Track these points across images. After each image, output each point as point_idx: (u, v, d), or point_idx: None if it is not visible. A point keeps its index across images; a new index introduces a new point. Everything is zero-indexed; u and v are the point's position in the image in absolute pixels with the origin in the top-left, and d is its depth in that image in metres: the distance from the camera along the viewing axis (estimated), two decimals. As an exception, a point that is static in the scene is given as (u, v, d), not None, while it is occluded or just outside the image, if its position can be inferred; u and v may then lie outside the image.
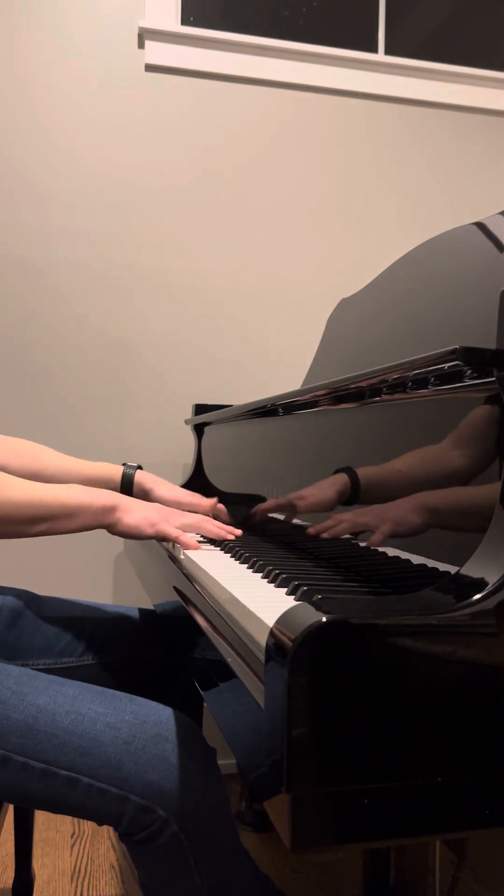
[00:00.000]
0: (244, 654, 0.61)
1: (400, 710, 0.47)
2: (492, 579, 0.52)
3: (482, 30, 2.30)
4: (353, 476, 0.86)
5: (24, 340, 1.90)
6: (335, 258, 2.09)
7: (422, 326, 1.02)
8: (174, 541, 1.00)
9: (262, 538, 1.15)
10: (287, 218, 2.07)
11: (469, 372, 0.62)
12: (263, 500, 1.20)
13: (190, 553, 0.97)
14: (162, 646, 1.13)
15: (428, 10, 2.28)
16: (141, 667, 1.12)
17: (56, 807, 0.80)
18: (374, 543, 0.78)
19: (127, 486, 1.16)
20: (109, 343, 1.95)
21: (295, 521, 1.06)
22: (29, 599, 1.13)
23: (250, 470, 1.31)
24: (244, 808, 1.69)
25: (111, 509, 0.95)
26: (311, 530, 0.97)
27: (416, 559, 0.69)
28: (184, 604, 0.83)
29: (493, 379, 0.60)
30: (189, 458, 1.95)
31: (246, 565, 0.88)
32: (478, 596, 0.51)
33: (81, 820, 1.44)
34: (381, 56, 2.12)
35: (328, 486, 0.93)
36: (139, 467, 1.20)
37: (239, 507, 1.32)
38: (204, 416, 1.64)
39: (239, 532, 1.09)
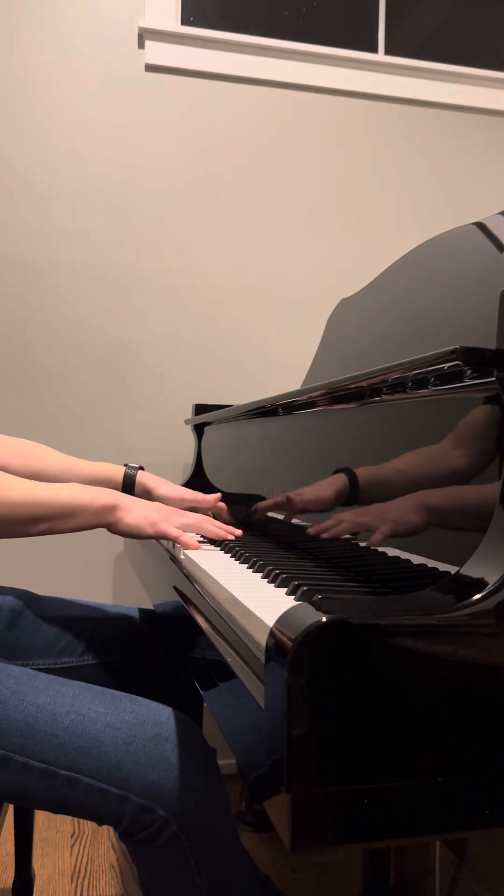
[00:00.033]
0: (244, 654, 0.61)
1: (400, 710, 0.47)
2: (492, 579, 0.52)
3: (482, 30, 2.30)
4: (353, 476, 0.86)
5: (24, 340, 1.90)
6: (335, 258, 2.09)
7: (422, 326, 1.02)
8: (174, 540, 1.00)
9: (262, 538, 1.15)
10: (287, 218, 2.07)
11: (469, 372, 0.62)
12: (263, 500, 1.20)
13: (190, 553, 0.97)
14: (162, 646, 1.13)
15: (428, 10, 2.28)
16: (141, 667, 1.12)
17: (56, 807, 0.80)
18: (374, 543, 0.78)
19: (129, 487, 1.16)
20: (109, 343, 1.95)
21: (295, 521, 1.06)
22: (29, 599, 1.13)
23: (250, 470, 1.31)
24: (244, 808, 1.69)
25: (112, 508, 0.95)
26: (311, 530, 0.97)
27: (416, 559, 0.69)
28: (184, 604, 0.83)
29: (493, 379, 0.60)
30: (189, 458, 1.95)
31: (246, 565, 0.88)
32: (478, 596, 0.51)
33: (81, 820, 1.44)
34: (381, 56, 2.12)
35: (327, 486, 0.93)
36: (141, 468, 1.19)
37: (239, 507, 1.32)
38: (204, 416, 1.64)
39: (239, 532, 1.09)
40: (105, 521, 0.95)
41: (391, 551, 0.75)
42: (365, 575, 0.80)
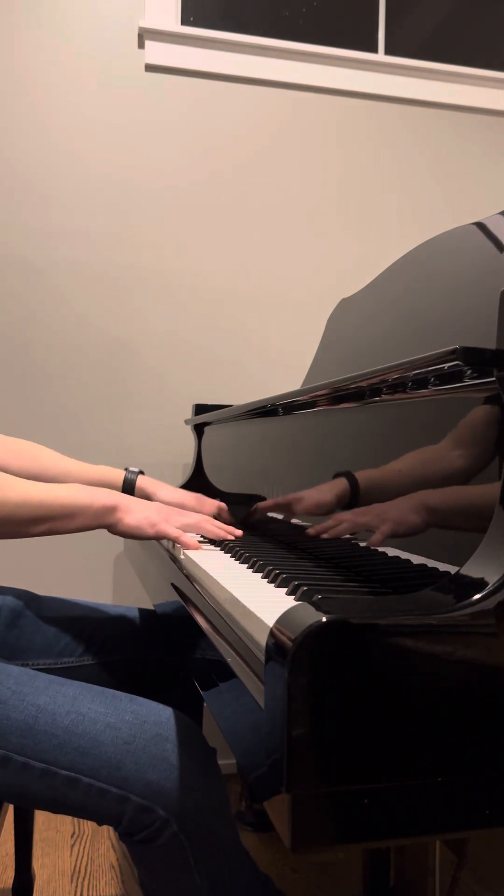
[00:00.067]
0: (244, 654, 0.61)
1: (400, 710, 0.47)
2: (492, 579, 0.52)
3: (482, 30, 2.30)
4: (353, 480, 0.86)
5: (24, 340, 1.90)
6: (335, 258, 2.09)
7: (422, 326, 1.02)
8: (174, 540, 1.00)
9: (262, 538, 1.15)
10: (287, 218, 2.07)
11: (469, 372, 0.62)
12: (263, 500, 1.20)
13: (190, 553, 0.97)
14: (162, 646, 1.13)
15: (428, 10, 2.28)
16: (141, 667, 1.12)
17: (56, 807, 0.80)
18: (374, 543, 0.78)
19: (128, 492, 1.16)
20: (109, 343, 1.95)
21: (295, 521, 1.06)
22: (29, 599, 1.13)
23: (250, 470, 1.31)
24: (244, 808, 1.69)
25: (112, 509, 0.95)
26: (311, 530, 0.97)
27: (416, 559, 0.69)
28: (183, 603, 0.83)
29: (493, 379, 0.60)
30: (189, 458, 1.95)
31: (246, 565, 0.88)
32: (478, 596, 0.51)
33: (81, 820, 1.44)
34: (381, 56, 2.12)
35: (328, 491, 0.93)
36: (141, 472, 1.19)
37: (239, 507, 1.32)
38: (204, 416, 1.64)
39: (239, 532, 1.09)
40: (105, 521, 0.95)
41: (391, 551, 0.75)
42: (365, 575, 0.80)
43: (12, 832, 1.26)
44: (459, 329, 0.91)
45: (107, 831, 1.65)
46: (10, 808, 1.27)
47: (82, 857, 1.54)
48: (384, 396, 0.80)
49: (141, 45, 1.96)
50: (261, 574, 0.82)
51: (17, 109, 1.90)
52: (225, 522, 1.19)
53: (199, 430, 1.74)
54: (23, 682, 0.83)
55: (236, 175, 2.04)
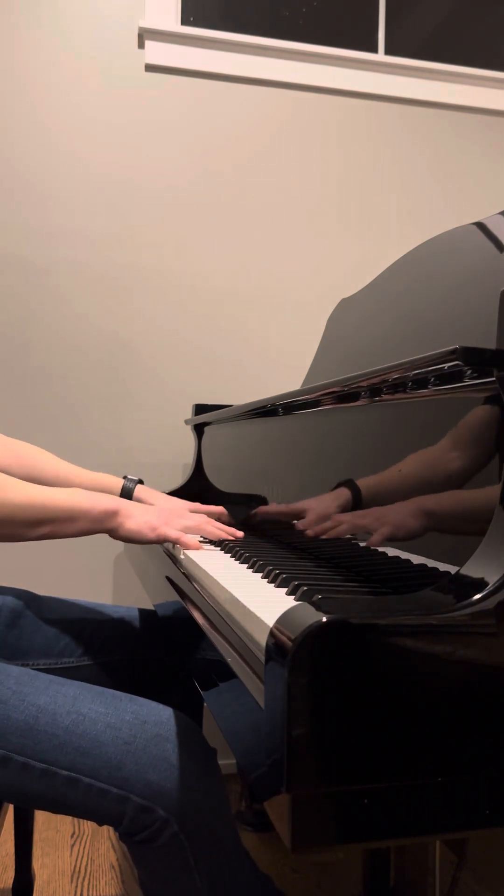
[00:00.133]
0: (244, 654, 0.61)
1: (400, 710, 0.47)
2: (492, 579, 0.52)
3: (482, 30, 2.30)
4: (355, 489, 0.86)
5: (24, 340, 1.90)
6: (335, 258, 2.09)
7: (422, 326, 1.02)
8: (175, 542, 1.00)
9: (262, 538, 1.15)
10: (287, 218, 2.07)
11: (469, 372, 0.62)
12: (263, 500, 1.20)
13: (190, 553, 0.97)
14: (162, 646, 1.13)
15: (428, 10, 2.28)
16: (141, 667, 1.12)
17: (56, 807, 0.80)
18: (373, 545, 0.78)
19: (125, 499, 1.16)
20: (109, 343, 1.95)
21: (295, 521, 1.05)
22: (29, 599, 1.13)
23: (250, 470, 1.31)
24: (244, 808, 1.69)
25: (112, 514, 0.95)
26: (310, 532, 0.97)
27: (416, 559, 0.69)
28: (183, 603, 0.83)
29: (493, 379, 0.60)
30: (189, 458, 1.95)
31: (246, 565, 0.88)
32: (478, 596, 0.51)
33: (81, 820, 1.44)
34: (381, 56, 2.12)
35: (330, 501, 0.93)
36: (140, 481, 1.19)
37: (239, 507, 1.32)
38: (204, 416, 1.64)
39: (241, 534, 1.09)
40: (106, 526, 0.95)
41: (391, 551, 0.75)
42: (365, 575, 0.80)
43: (12, 832, 1.26)
44: (459, 329, 0.91)
45: (107, 831, 1.65)
46: (10, 808, 1.27)
47: (82, 857, 1.54)
48: (384, 396, 0.80)
49: (141, 45, 1.96)
50: (261, 574, 0.82)
51: (17, 109, 1.91)
52: (225, 524, 1.19)
53: (199, 430, 1.74)
54: (23, 683, 0.83)
55: (236, 175, 2.04)
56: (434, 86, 2.13)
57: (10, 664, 0.90)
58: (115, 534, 0.96)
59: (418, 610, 0.49)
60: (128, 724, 0.79)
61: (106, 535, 0.97)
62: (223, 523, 1.20)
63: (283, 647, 0.46)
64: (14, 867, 1.27)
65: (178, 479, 1.95)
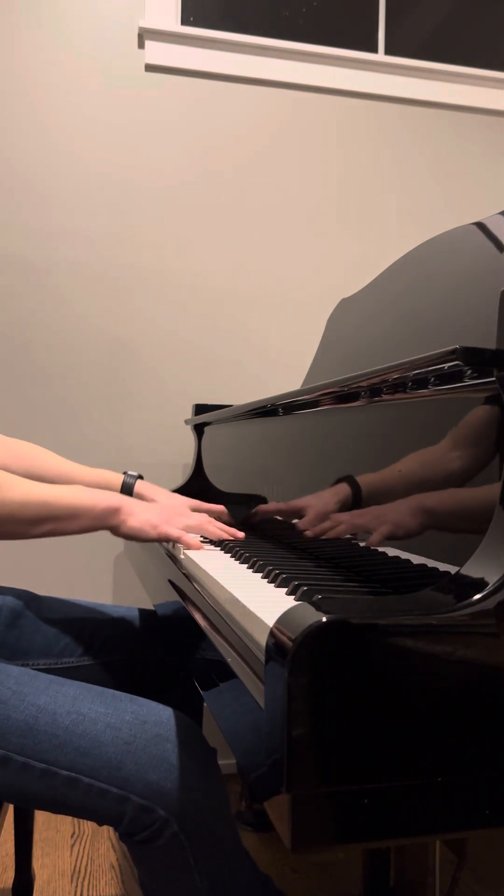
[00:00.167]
0: (244, 654, 0.61)
1: (400, 710, 0.47)
2: (492, 579, 0.52)
3: (482, 30, 2.30)
4: (355, 485, 0.86)
5: (24, 340, 1.90)
6: (335, 258, 2.09)
7: (422, 326, 1.02)
8: (176, 541, 1.00)
9: (262, 538, 1.15)
10: (287, 218, 2.07)
11: (469, 372, 0.62)
12: (263, 500, 1.20)
13: (190, 553, 0.97)
14: (162, 646, 1.13)
15: (428, 10, 2.28)
16: (141, 667, 1.12)
17: (56, 807, 0.80)
18: (373, 544, 0.78)
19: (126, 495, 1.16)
20: (109, 343, 1.95)
21: (295, 521, 1.05)
22: (29, 599, 1.13)
23: (250, 470, 1.31)
24: (244, 808, 1.69)
25: (115, 511, 0.95)
26: (309, 532, 0.97)
27: (416, 559, 0.69)
28: (183, 603, 0.83)
29: (493, 379, 0.60)
30: (189, 458, 1.95)
31: (246, 565, 0.88)
32: (478, 596, 0.51)
33: (81, 820, 1.44)
34: (381, 56, 2.12)
35: (329, 498, 0.93)
36: (140, 477, 1.19)
37: (239, 507, 1.32)
38: (204, 416, 1.64)
39: (241, 534, 1.09)
40: (108, 523, 0.95)
41: (391, 551, 0.75)
42: (365, 575, 0.80)
43: (12, 832, 1.26)
44: (459, 329, 0.91)
45: (107, 831, 1.65)
46: (10, 808, 1.27)
47: (82, 857, 1.54)
48: (384, 396, 0.80)
49: (141, 45, 1.96)
50: (261, 574, 0.82)
51: (17, 109, 1.91)
52: (225, 524, 1.19)
53: (199, 430, 1.74)
54: (23, 683, 0.83)
55: (236, 175, 2.04)
56: (434, 86, 2.13)
57: (10, 664, 0.90)
58: (116, 531, 0.96)
59: (418, 610, 0.49)
60: (128, 724, 0.79)
61: (106, 535, 0.97)
62: (224, 523, 1.20)
63: (283, 647, 0.46)
64: (14, 867, 1.27)
65: (179, 479, 1.95)
